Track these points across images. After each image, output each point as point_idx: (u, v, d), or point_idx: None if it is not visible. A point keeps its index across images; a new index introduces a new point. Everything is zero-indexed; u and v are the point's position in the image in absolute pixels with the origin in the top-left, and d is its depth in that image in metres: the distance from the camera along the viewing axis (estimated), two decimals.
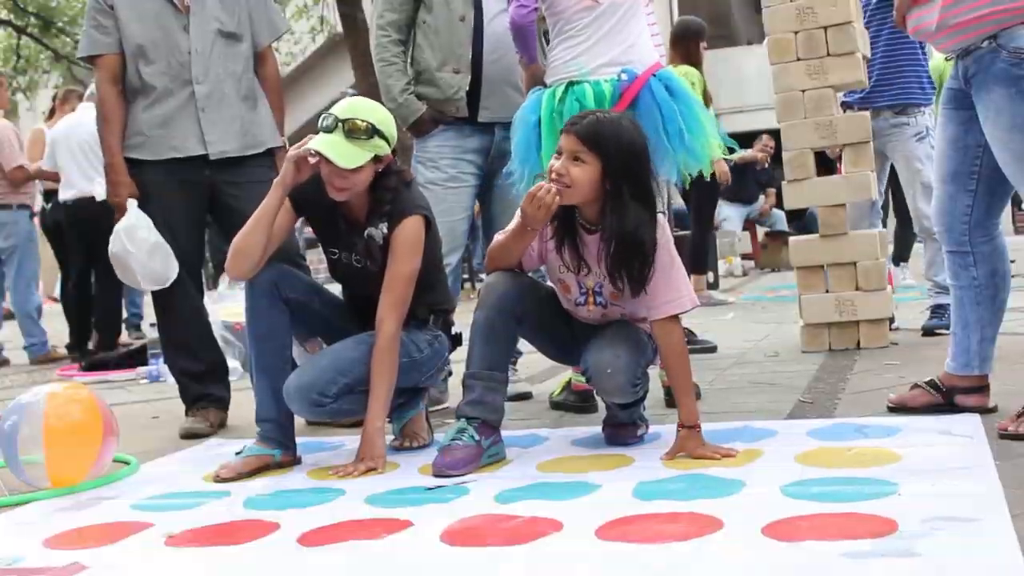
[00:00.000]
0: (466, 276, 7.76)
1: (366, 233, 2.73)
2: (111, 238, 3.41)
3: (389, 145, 2.70)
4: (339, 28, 12.69)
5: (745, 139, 7.94)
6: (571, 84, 3.02)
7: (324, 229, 2.87)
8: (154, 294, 3.57)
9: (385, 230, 2.73)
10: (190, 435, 3.43)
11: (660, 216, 2.56)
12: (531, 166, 3.06)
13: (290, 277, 2.80)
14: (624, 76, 2.99)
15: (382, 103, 3.61)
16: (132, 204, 3.41)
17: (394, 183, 2.74)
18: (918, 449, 2.36)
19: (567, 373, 3.41)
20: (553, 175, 2.47)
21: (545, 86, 3.18)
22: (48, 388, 2.79)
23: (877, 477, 2.15)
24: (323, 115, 2.69)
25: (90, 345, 6.84)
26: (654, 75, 3.02)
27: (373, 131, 2.64)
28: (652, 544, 1.85)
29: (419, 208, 2.76)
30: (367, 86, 7.78)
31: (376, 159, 2.68)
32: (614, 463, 2.53)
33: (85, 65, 3.63)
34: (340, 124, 2.63)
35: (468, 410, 2.61)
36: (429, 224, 2.78)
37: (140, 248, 3.37)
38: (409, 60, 3.60)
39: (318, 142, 2.62)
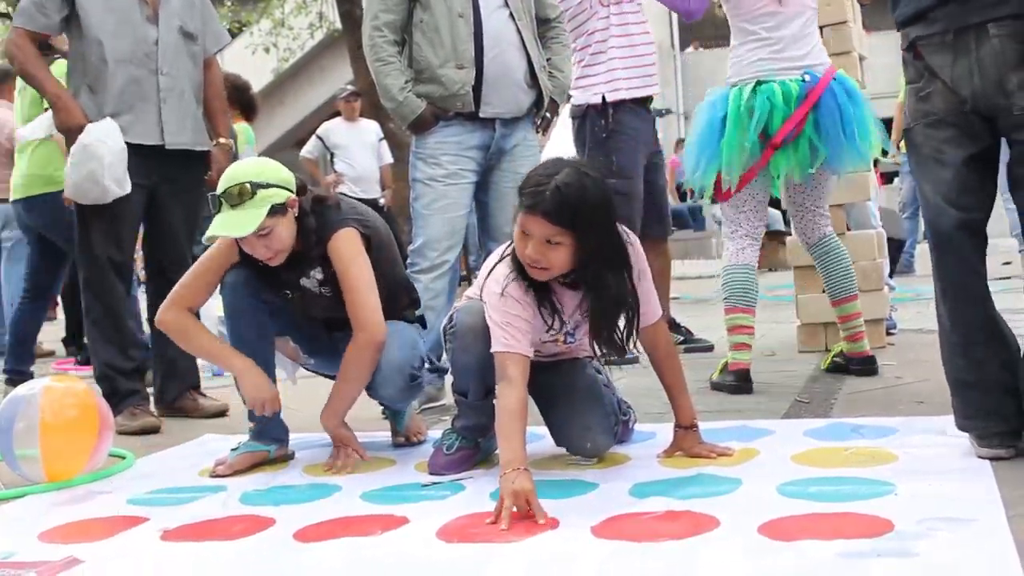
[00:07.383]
0: (463, 273, 7.73)
1: (301, 284, 2.71)
2: (83, 133, 3.33)
3: (284, 188, 2.58)
4: (338, 24, 12.67)
5: None
6: (759, 83, 3.24)
7: (267, 279, 2.73)
8: (84, 289, 3.53)
9: (319, 276, 2.70)
10: (144, 431, 3.39)
11: (632, 244, 2.40)
12: (708, 156, 3.34)
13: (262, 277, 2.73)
14: (807, 78, 3.22)
15: (380, 102, 3.63)
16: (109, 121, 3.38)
17: (312, 224, 2.64)
18: (915, 449, 2.37)
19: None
20: (529, 262, 2.28)
21: None
22: (44, 382, 2.78)
23: (874, 477, 2.15)
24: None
25: (86, 339, 6.83)
26: (834, 78, 3.26)
27: (254, 187, 2.52)
28: (648, 542, 1.85)
29: (346, 221, 2.65)
30: (365, 83, 7.75)
31: (279, 209, 2.55)
32: (611, 461, 2.53)
33: None
34: (221, 200, 2.55)
35: (462, 433, 2.58)
36: (364, 235, 2.66)
37: (113, 148, 3.35)
38: (406, 59, 3.59)
39: (213, 228, 2.54)
